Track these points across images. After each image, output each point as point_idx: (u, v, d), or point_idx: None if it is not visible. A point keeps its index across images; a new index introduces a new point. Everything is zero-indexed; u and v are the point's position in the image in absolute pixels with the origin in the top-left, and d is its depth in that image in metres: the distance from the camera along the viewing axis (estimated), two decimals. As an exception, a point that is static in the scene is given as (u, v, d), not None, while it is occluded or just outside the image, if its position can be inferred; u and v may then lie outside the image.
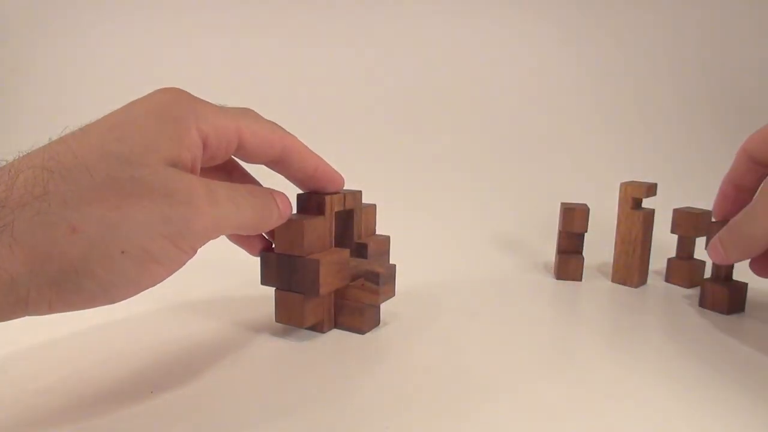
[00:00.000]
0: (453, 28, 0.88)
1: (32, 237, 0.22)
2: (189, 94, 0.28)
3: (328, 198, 0.35)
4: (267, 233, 0.36)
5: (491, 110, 0.85)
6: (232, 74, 0.86)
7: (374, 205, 0.41)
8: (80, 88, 0.87)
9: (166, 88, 0.28)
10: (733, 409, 0.29)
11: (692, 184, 0.71)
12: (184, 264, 0.27)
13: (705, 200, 0.53)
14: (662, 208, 0.50)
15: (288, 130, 0.33)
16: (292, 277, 0.34)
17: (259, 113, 0.32)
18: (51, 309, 0.24)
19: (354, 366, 0.33)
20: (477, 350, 0.35)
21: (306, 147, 0.33)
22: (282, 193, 0.33)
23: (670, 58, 0.87)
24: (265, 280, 0.35)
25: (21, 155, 0.24)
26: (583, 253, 0.50)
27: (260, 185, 0.35)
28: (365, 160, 0.75)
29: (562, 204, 0.51)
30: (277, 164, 0.33)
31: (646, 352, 0.36)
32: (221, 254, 0.40)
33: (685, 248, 0.49)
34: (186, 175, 0.26)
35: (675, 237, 0.50)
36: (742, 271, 0.44)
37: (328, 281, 0.34)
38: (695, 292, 0.47)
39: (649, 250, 0.49)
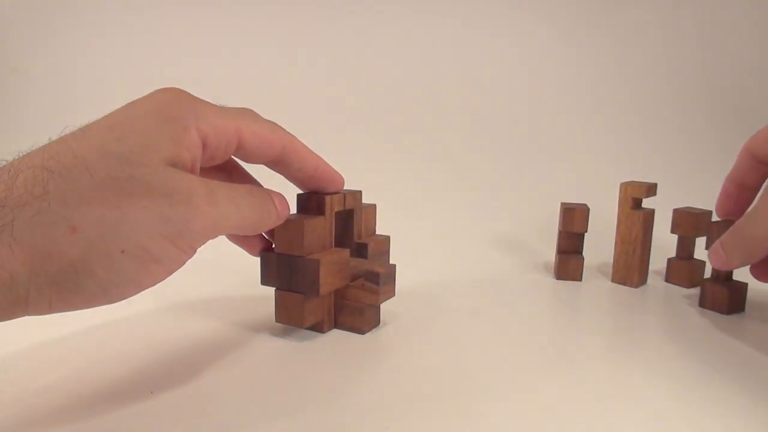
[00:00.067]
0: (453, 29, 0.88)
1: (32, 236, 0.22)
2: (189, 94, 0.28)
3: (328, 198, 0.35)
4: (267, 233, 0.36)
5: (491, 110, 0.85)
6: (232, 74, 0.86)
7: (374, 205, 0.41)
8: (80, 88, 0.87)
9: (165, 88, 0.28)
10: (733, 409, 0.29)
11: (692, 184, 0.71)
12: (184, 264, 0.27)
13: (705, 200, 0.53)
14: (662, 208, 0.50)
15: (288, 130, 0.33)
16: (292, 277, 0.34)
17: (259, 113, 0.32)
18: (51, 308, 0.24)
19: (354, 366, 0.33)
20: (477, 350, 0.35)
21: (306, 147, 0.33)
22: (279, 193, 0.33)
23: (670, 59, 0.88)
24: (265, 280, 0.35)
25: (21, 155, 0.25)
26: (583, 253, 0.50)
27: (260, 185, 0.35)
28: (365, 160, 0.75)
29: (562, 204, 0.51)
30: (277, 164, 0.33)
31: (646, 352, 0.36)
32: (221, 254, 0.40)
33: (685, 248, 0.49)
34: (186, 175, 0.26)
35: (675, 237, 0.50)
36: (743, 271, 0.44)
37: (328, 281, 0.34)
38: (695, 292, 0.47)
39: (649, 250, 0.49)
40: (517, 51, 0.88)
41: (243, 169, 0.36)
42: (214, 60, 0.87)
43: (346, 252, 0.36)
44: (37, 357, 0.33)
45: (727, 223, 0.43)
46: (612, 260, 0.50)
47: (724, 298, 0.42)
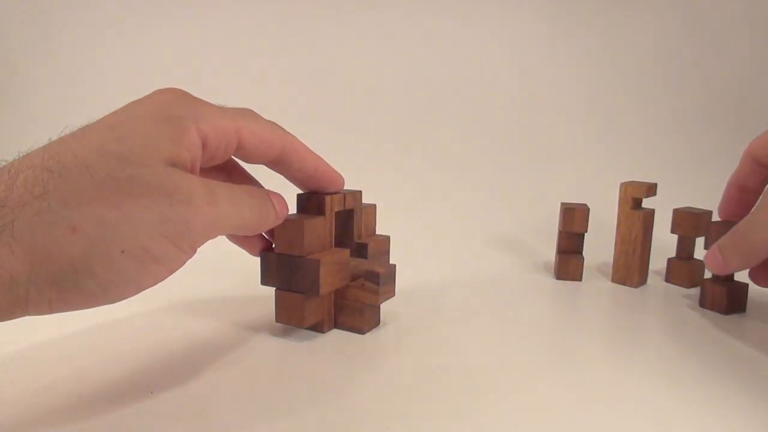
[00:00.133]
0: (453, 29, 0.88)
1: (32, 236, 0.22)
2: (188, 94, 0.28)
3: (328, 198, 0.35)
4: (267, 233, 0.36)
5: (491, 110, 0.85)
6: (232, 74, 0.86)
7: (374, 205, 0.41)
8: (80, 88, 0.87)
9: (165, 89, 0.28)
10: (732, 409, 0.29)
11: (692, 184, 0.71)
12: (184, 264, 0.27)
13: (705, 200, 0.53)
14: (662, 208, 0.50)
15: (287, 130, 0.33)
16: (292, 277, 0.34)
17: (259, 113, 0.32)
18: (51, 309, 0.24)
19: (354, 366, 0.33)
20: (477, 350, 0.35)
21: (306, 147, 0.33)
22: (278, 194, 0.33)
23: (670, 59, 0.88)
24: (265, 280, 0.35)
25: (21, 155, 0.25)
26: (583, 253, 0.50)
27: (260, 186, 0.35)
28: (365, 160, 0.75)
29: (562, 204, 0.51)
30: (277, 164, 0.33)
31: (646, 352, 0.36)
32: (221, 254, 0.41)
33: (685, 248, 0.49)
34: (186, 175, 0.26)
35: (675, 237, 0.50)
36: (743, 271, 0.44)
37: (328, 281, 0.34)
38: (695, 292, 0.47)
39: (649, 250, 0.49)
40: (517, 51, 0.88)
41: (243, 169, 0.36)
42: (214, 60, 0.87)
43: (346, 252, 0.36)
44: (37, 357, 0.33)
45: (727, 223, 0.43)
46: (612, 260, 0.50)
47: (724, 298, 0.42)
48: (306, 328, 0.37)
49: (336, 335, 0.37)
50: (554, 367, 0.34)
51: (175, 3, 0.89)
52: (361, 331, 0.37)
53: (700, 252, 0.48)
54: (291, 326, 0.37)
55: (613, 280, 0.50)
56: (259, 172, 0.35)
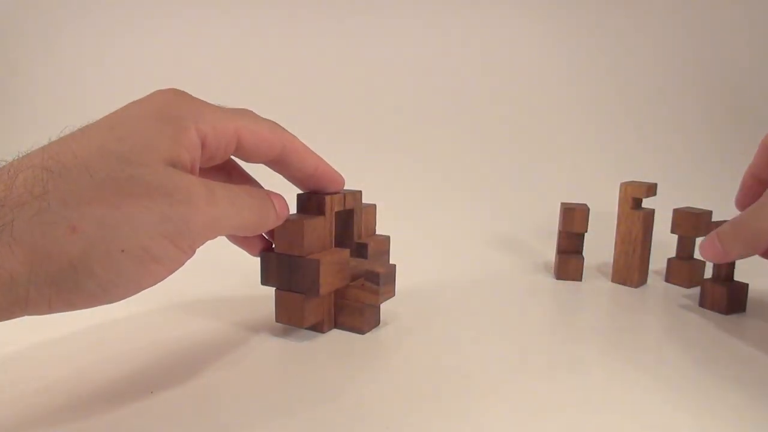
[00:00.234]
0: (453, 29, 0.88)
1: (32, 236, 0.22)
2: (188, 94, 0.28)
3: (328, 198, 0.35)
4: (267, 233, 0.36)
5: (491, 110, 0.85)
6: (232, 74, 0.86)
7: (374, 205, 0.41)
8: (80, 88, 0.87)
9: (165, 89, 0.28)
10: (732, 409, 0.29)
11: (692, 184, 0.71)
12: (184, 264, 0.27)
13: (705, 200, 0.53)
14: (662, 208, 0.50)
15: (288, 130, 0.33)
16: (292, 277, 0.34)
17: (259, 113, 0.32)
18: (51, 308, 0.24)
19: (354, 366, 0.33)
20: (477, 350, 0.35)
21: (306, 146, 0.33)
22: (279, 194, 0.33)
23: (671, 59, 0.88)
24: (266, 280, 0.35)
25: (20, 156, 0.25)
26: (583, 253, 0.50)
27: (260, 186, 0.35)
28: (365, 160, 0.75)
29: (562, 204, 0.51)
30: (277, 164, 0.33)
31: (646, 352, 0.36)
32: (221, 254, 0.41)
33: (685, 248, 0.49)
34: (185, 175, 0.26)
35: (675, 237, 0.50)
36: (743, 271, 0.44)
37: (328, 281, 0.34)
38: (695, 292, 0.47)
39: (649, 250, 0.49)
40: (517, 51, 0.88)
41: (243, 169, 0.36)
42: (214, 60, 0.87)
43: (346, 252, 0.36)
44: (37, 357, 0.33)
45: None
46: (612, 260, 0.50)
47: (724, 298, 0.42)
48: (306, 328, 0.37)
49: (336, 335, 0.37)
50: (554, 367, 0.34)
51: (175, 3, 0.89)
52: (361, 331, 0.37)
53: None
54: (291, 326, 0.37)
55: (613, 280, 0.50)
56: (259, 172, 0.35)
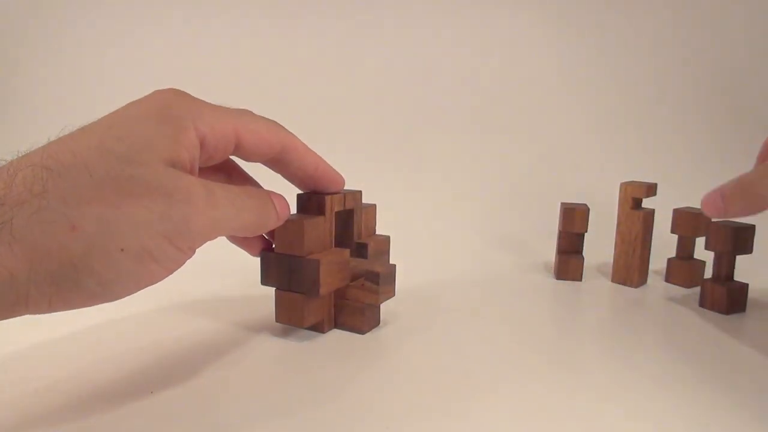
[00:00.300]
0: (453, 29, 0.88)
1: (31, 234, 0.22)
2: (187, 94, 0.28)
3: (328, 198, 0.35)
4: (267, 233, 0.36)
5: (491, 110, 0.85)
6: (232, 74, 0.86)
7: (374, 205, 0.41)
8: (80, 88, 0.87)
9: (164, 89, 0.28)
10: (732, 409, 0.29)
11: (692, 184, 0.71)
12: (183, 264, 0.27)
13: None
14: (662, 208, 0.50)
15: (287, 129, 0.33)
16: (292, 277, 0.34)
17: (259, 113, 0.32)
18: (51, 307, 0.24)
19: (354, 366, 0.33)
20: (477, 350, 0.35)
21: (305, 146, 0.33)
22: (280, 195, 0.33)
23: (671, 59, 0.88)
24: (266, 281, 0.35)
25: (19, 155, 0.25)
26: (583, 253, 0.50)
27: (260, 186, 0.35)
28: (365, 160, 0.75)
29: (562, 204, 0.51)
30: (277, 163, 0.33)
31: (646, 352, 0.36)
32: (221, 254, 0.41)
33: (685, 248, 0.49)
34: (185, 175, 0.26)
35: (675, 237, 0.50)
36: (743, 271, 0.44)
37: (328, 281, 0.34)
38: (695, 292, 0.47)
39: (649, 250, 0.49)
40: (517, 51, 0.88)
41: (243, 170, 0.36)
42: (214, 60, 0.87)
43: (347, 252, 0.36)
44: (37, 357, 0.33)
45: (726, 223, 0.43)
46: (612, 260, 0.50)
47: (724, 298, 0.42)
48: (306, 329, 0.37)
49: (336, 335, 0.37)
50: (554, 367, 0.34)
51: (175, 3, 0.89)
52: (361, 331, 0.37)
53: (700, 252, 0.48)
54: (291, 326, 0.37)
55: (613, 280, 0.50)
56: (259, 172, 0.35)
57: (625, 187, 0.48)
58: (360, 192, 0.39)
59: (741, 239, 0.42)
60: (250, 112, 0.31)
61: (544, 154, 0.82)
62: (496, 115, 0.85)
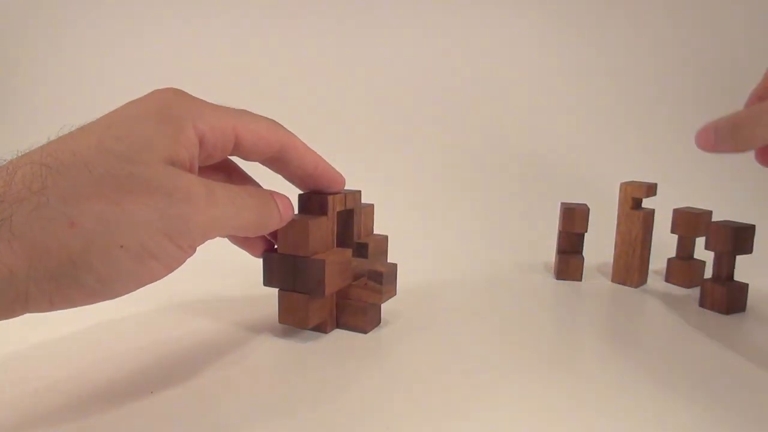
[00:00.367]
0: (453, 28, 0.88)
1: (30, 231, 0.22)
2: (186, 93, 0.28)
3: (330, 198, 0.35)
4: (269, 234, 0.36)
5: (491, 110, 0.85)
6: (232, 74, 0.86)
7: (372, 205, 0.41)
8: (80, 88, 0.87)
9: (163, 88, 0.28)
10: (732, 410, 0.29)
11: (692, 184, 0.71)
12: (183, 262, 0.27)
13: (705, 200, 0.53)
14: (662, 208, 0.50)
15: (287, 128, 0.33)
16: (296, 277, 0.34)
17: (259, 113, 0.32)
18: (51, 305, 0.24)
19: (358, 366, 0.33)
20: (477, 350, 0.35)
21: (305, 145, 0.33)
22: (284, 195, 0.32)
23: (671, 59, 0.87)
24: (268, 282, 0.35)
25: (19, 154, 0.25)
26: (583, 253, 0.50)
27: (260, 187, 0.35)
28: (365, 160, 0.75)
29: (562, 204, 0.51)
30: (276, 162, 0.33)
31: (646, 352, 0.36)
32: (222, 254, 0.40)
33: (685, 248, 0.49)
34: (185, 174, 0.26)
35: (675, 237, 0.50)
36: (743, 271, 0.44)
37: (332, 281, 0.34)
38: (695, 292, 0.47)
39: (649, 250, 0.49)
40: (517, 51, 0.88)
41: (242, 170, 0.35)
42: (214, 60, 0.87)
43: (349, 252, 0.36)
44: (37, 357, 0.33)
45: (725, 223, 0.43)
46: (612, 260, 0.50)
47: (724, 298, 0.42)
48: (309, 329, 0.37)
49: (339, 335, 0.37)
50: (554, 367, 0.34)
51: (176, 3, 0.89)
52: (363, 331, 0.37)
53: (700, 252, 0.48)
54: (294, 327, 0.37)
55: (613, 280, 0.50)
56: (259, 172, 0.35)
57: (625, 187, 0.48)
58: (359, 192, 0.39)
59: (741, 239, 0.42)
60: (250, 111, 0.31)
61: (544, 154, 0.82)
62: (496, 115, 0.85)
